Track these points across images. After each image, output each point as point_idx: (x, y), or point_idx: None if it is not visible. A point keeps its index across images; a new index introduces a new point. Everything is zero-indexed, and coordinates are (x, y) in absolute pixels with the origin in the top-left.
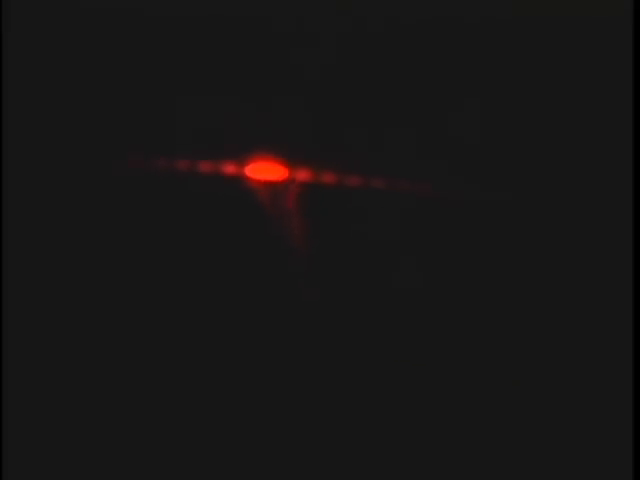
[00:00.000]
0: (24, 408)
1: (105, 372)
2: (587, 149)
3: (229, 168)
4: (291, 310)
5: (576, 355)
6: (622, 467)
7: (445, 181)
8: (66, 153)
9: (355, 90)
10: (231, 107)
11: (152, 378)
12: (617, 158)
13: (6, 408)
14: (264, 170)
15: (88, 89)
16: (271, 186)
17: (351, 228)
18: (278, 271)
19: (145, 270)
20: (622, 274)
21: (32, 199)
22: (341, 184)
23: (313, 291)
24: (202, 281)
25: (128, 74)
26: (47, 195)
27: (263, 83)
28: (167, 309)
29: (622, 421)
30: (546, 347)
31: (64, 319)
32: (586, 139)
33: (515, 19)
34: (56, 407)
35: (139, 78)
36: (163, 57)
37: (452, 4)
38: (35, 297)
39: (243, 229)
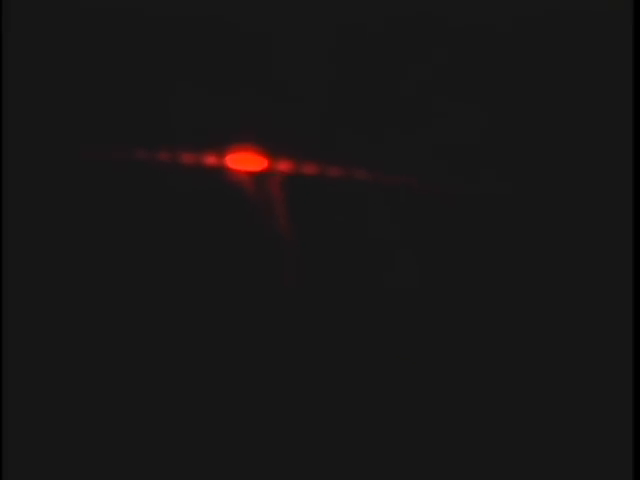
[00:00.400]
0: (24, 408)
1: (88, 361)
2: (586, 146)
3: (210, 159)
4: (274, 300)
5: (576, 351)
6: (622, 467)
7: (429, 173)
8: (48, 145)
9: (338, 80)
10: (212, 98)
11: (135, 365)
12: (616, 154)
13: (6, 408)
14: (245, 161)
15: (70, 81)
16: (252, 177)
17: (333, 219)
18: (260, 262)
19: (127, 261)
20: (622, 267)
21: (16, 187)
22: (323, 175)
23: (296, 281)
24: (184, 272)
25: (110, 66)
26: (29, 186)
27: (243, 74)
28: (150, 301)
29: (622, 421)
30: (547, 343)
31: (44, 307)
32: (585, 136)
33: (515, 17)
34: (56, 407)
35: (121, 71)
36: (144, 49)
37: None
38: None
39: (224, 220)
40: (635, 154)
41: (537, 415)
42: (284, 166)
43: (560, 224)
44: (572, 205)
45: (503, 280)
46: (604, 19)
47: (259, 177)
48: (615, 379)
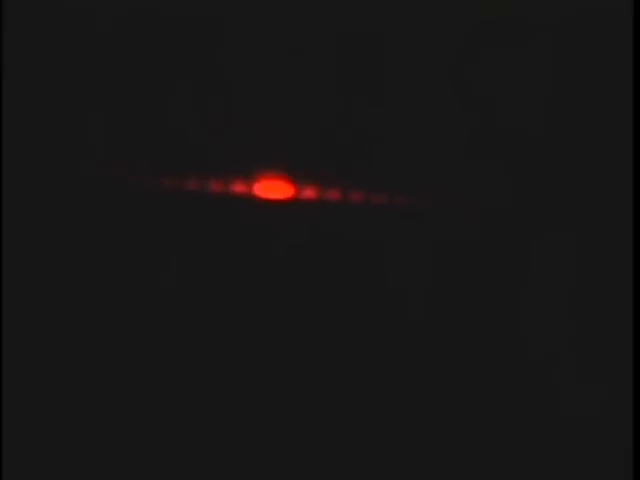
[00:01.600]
0: (24, 408)
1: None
2: (587, 151)
3: (237, 187)
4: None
5: (577, 359)
6: (622, 467)
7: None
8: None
9: (358, 102)
10: (236, 124)
11: (126, 372)
12: (617, 161)
13: (6, 408)
14: (271, 188)
15: (93, 95)
16: (278, 204)
17: (356, 245)
18: (283, 290)
19: (152, 285)
20: (623, 279)
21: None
22: (346, 201)
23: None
24: (207, 299)
25: (136, 90)
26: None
27: (270, 100)
28: (167, 317)
29: (622, 421)
30: (545, 350)
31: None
32: (585, 140)
33: (514, 18)
34: (55, 407)
35: (150, 97)
36: (167, 73)
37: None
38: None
39: (251, 246)
40: (635, 158)
41: (537, 416)
42: (310, 193)
43: (559, 236)
44: (571, 215)
45: (499, 293)
46: (604, 23)
47: (285, 204)
48: (616, 380)
